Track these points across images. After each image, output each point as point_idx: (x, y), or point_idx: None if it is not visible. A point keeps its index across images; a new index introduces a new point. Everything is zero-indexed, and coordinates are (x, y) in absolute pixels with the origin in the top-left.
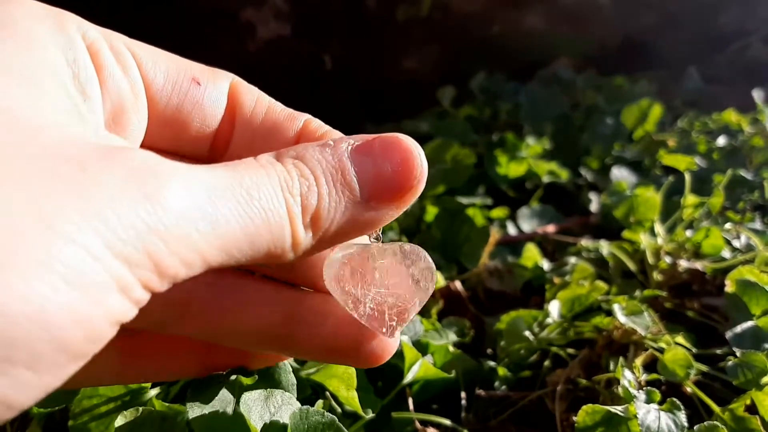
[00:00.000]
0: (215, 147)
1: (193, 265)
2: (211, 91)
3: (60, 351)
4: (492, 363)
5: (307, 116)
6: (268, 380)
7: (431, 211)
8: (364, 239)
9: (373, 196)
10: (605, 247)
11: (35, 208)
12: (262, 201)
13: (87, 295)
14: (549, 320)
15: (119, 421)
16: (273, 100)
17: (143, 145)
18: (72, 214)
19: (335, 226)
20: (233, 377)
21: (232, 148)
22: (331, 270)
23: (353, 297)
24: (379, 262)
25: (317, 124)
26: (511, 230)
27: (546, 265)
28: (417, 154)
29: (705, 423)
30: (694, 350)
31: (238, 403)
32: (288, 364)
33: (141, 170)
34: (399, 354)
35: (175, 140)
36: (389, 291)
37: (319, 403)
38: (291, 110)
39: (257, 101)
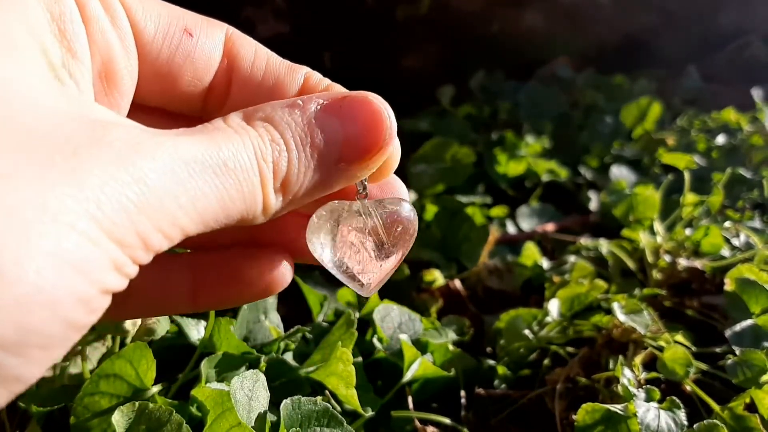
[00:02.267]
0: (209, 101)
1: (174, 238)
2: (203, 43)
3: (68, 328)
4: (491, 362)
5: (306, 69)
6: None
7: (431, 210)
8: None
9: (342, 158)
10: (604, 245)
11: (38, 199)
12: (237, 171)
13: (89, 277)
14: (548, 319)
15: (116, 416)
16: (270, 52)
17: (134, 101)
18: (71, 203)
19: (304, 189)
20: None
21: (230, 104)
22: (313, 229)
23: (333, 258)
24: (359, 223)
25: (317, 78)
26: (511, 229)
27: (545, 263)
28: (386, 115)
29: (705, 421)
30: (693, 349)
31: None
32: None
33: (127, 150)
34: (398, 353)
35: (166, 95)
36: (366, 251)
37: (318, 398)
38: (289, 63)
39: (256, 55)
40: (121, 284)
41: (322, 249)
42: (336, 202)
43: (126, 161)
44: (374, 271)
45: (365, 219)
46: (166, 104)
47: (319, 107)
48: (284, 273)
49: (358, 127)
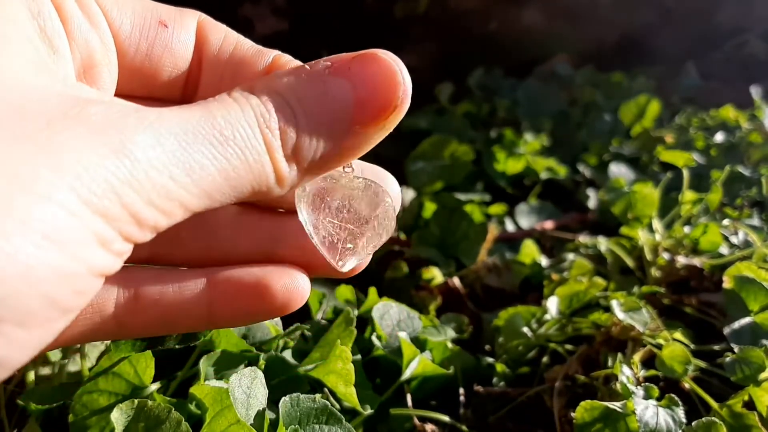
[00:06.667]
0: (187, 89)
1: (173, 214)
2: (179, 32)
3: (49, 306)
4: (490, 359)
5: (276, 52)
6: None
7: (429, 208)
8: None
9: (356, 120)
10: (603, 243)
11: (8, 169)
12: (237, 140)
13: (69, 251)
14: (547, 317)
15: (115, 414)
16: (242, 37)
17: (116, 95)
18: (45, 173)
19: (319, 156)
20: None
21: (201, 89)
22: (299, 196)
23: (313, 223)
24: (340, 194)
25: (287, 59)
26: (509, 227)
27: (544, 261)
28: (398, 70)
29: (703, 419)
30: (692, 346)
31: None
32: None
33: (105, 123)
34: (397, 350)
35: (148, 87)
36: (344, 223)
37: (317, 396)
38: (260, 47)
39: (225, 38)
40: (112, 263)
41: (305, 219)
42: (323, 175)
43: (103, 134)
44: (356, 246)
45: (348, 192)
46: (149, 94)
47: (327, 70)
48: (303, 287)
49: (371, 86)
